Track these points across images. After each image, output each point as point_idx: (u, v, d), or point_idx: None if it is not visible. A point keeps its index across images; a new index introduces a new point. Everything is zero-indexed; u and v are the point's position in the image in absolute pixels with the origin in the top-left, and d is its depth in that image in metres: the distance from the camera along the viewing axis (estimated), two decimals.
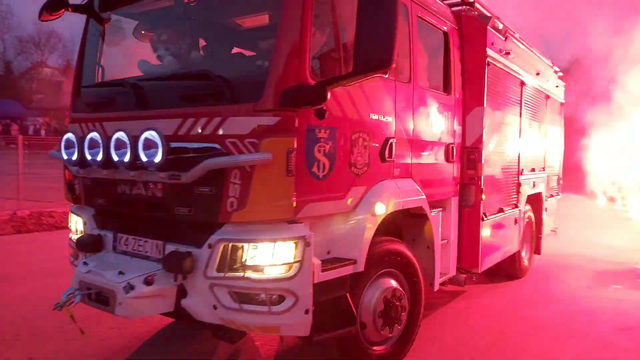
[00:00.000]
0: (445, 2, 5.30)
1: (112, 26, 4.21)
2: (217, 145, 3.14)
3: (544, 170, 8.08)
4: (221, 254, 3.12)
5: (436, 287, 4.75)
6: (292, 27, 3.13)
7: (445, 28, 4.98)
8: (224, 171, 3.08)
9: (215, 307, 3.16)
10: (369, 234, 3.66)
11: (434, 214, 4.68)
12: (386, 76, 3.83)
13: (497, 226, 6.12)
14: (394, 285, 4.03)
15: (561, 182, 9.38)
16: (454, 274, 5.35)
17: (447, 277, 5.21)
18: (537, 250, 8.24)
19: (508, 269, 7.32)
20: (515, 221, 6.79)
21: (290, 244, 3.10)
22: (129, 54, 4.35)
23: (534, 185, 7.52)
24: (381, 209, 3.77)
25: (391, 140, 3.98)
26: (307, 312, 3.14)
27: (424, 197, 4.45)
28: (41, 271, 6.86)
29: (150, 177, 3.27)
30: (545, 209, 8.31)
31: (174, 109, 3.37)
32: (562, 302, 6.30)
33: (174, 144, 3.23)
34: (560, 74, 8.85)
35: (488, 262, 5.91)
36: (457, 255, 5.38)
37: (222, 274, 3.12)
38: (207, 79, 3.25)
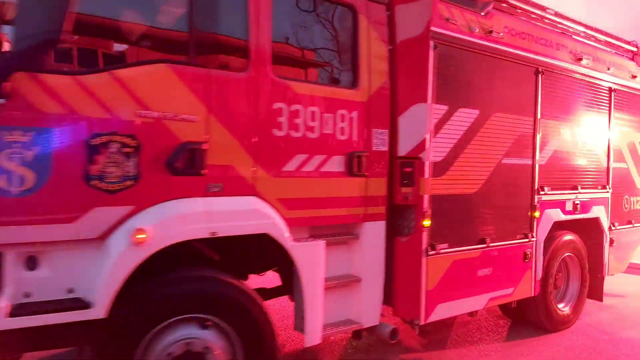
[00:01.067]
0: None
1: None
2: None
3: (605, 188, 6.02)
4: None
5: (312, 341, 3.57)
6: None
7: (350, 1, 3.80)
8: None
9: None
10: (121, 270, 2.77)
11: (305, 245, 3.54)
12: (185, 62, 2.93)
13: (474, 262, 4.58)
14: (196, 338, 3.05)
15: None
16: (375, 323, 4.05)
17: (354, 328, 3.95)
18: (595, 295, 6.19)
19: (531, 317, 5.57)
20: (526, 256, 5.06)
21: None
22: None
23: (576, 209, 5.60)
24: (157, 239, 2.85)
25: (196, 146, 3.03)
26: None
27: (275, 220, 3.36)
28: None
29: None
30: (611, 241, 6.18)
31: None
32: None
33: None
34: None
35: (447, 310, 4.42)
36: (381, 299, 4.07)
37: None
38: None
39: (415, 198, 4.15)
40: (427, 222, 4.16)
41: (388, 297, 4.19)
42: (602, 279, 6.19)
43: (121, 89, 2.81)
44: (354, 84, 3.84)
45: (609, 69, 6.01)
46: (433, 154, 4.20)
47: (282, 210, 3.44)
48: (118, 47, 3.40)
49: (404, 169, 4.11)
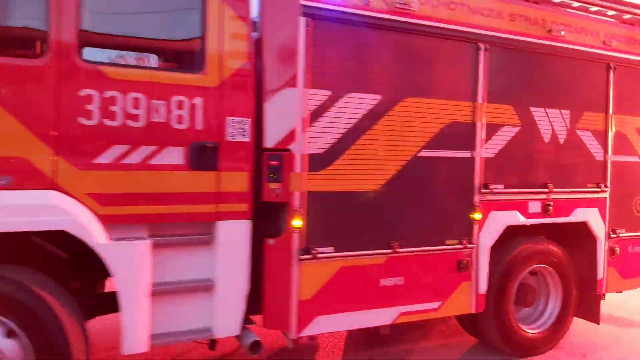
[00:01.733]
0: None
1: None
2: None
3: (599, 186, 4.95)
4: None
5: (131, 349, 3.27)
6: None
7: None
8: None
9: None
10: None
11: (119, 244, 3.23)
12: None
13: (375, 270, 3.97)
14: None
15: None
16: (234, 333, 3.64)
17: (205, 337, 3.58)
18: (590, 315, 5.15)
19: (487, 338, 4.76)
20: (460, 265, 4.29)
21: None
22: None
23: (546, 211, 4.66)
24: None
25: None
26: None
27: (78, 217, 3.09)
28: None
29: None
30: (611, 251, 5.08)
31: None
32: None
33: None
34: None
35: (334, 323, 3.86)
36: (242, 307, 3.64)
37: None
38: None
39: (285, 195, 3.66)
40: (297, 223, 3.65)
41: (259, 306, 3.76)
42: (599, 297, 5.09)
43: None
44: (199, 67, 3.45)
45: (605, 43, 4.91)
46: (309, 145, 3.68)
47: (95, 206, 3.18)
48: None
49: (270, 162, 3.64)
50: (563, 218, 4.80)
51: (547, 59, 4.65)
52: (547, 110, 4.67)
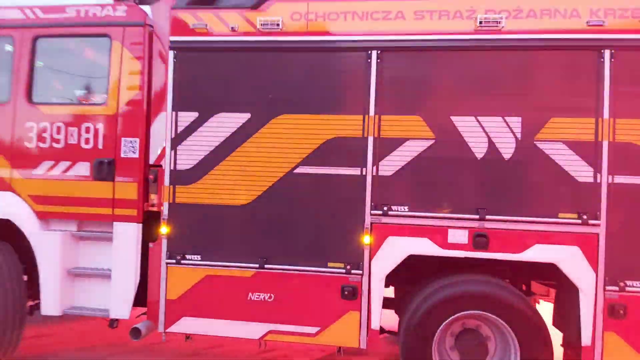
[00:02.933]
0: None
1: None
2: None
3: (581, 218, 3.73)
4: None
5: (46, 311, 4.40)
6: None
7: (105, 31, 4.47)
8: None
9: None
10: None
11: (45, 233, 4.44)
12: None
13: (241, 283, 4.10)
14: None
15: None
16: (124, 317, 4.38)
17: (103, 315, 4.42)
18: None
19: None
20: (345, 292, 3.96)
21: None
22: None
23: (477, 244, 3.81)
24: None
25: None
26: None
27: (20, 210, 4.44)
28: None
29: None
30: (609, 309, 3.70)
31: None
32: None
33: None
34: None
35: (198, 326, 4.15)
36: (130, 296, 4.35)
37: None
38: None
39: (158, 205, 4.26)
40: (165, 230, 4.19)
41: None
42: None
43: None
44: (103, 100, 4.45)
45: (591, 23, 3.73)
46: (179, 161, 4.20)
47: (32, 204, 4.50)
48: None
49: (148, 176, 4.32)
50: (510, 255, 3.76)
51: (477, 58, 3.84)
52: (481, 118, 3.81)
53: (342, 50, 3.98)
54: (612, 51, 3.69)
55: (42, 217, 4.48)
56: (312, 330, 4.01)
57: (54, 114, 4.50)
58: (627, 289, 3.63)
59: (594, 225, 3.66)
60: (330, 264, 3.98)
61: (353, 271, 3.94)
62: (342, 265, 3.96)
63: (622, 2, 3.70)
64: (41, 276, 4.42)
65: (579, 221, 3.68)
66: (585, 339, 3.66)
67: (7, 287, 4.41)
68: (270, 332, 4.06)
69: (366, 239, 3.91)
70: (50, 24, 4.53)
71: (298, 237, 4.03)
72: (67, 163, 4.46)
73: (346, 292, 3.94)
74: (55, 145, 4.47)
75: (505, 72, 3.82)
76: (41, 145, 4.49)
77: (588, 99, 3.71)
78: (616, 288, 3.64)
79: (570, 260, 3.68)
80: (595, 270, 3.66)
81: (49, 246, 4.42)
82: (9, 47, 4.60)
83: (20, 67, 4.54)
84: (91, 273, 4.49)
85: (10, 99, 4.55)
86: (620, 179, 3.66)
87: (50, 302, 4.42)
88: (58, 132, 4.47)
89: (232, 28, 4.11)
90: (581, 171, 3.70)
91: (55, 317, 4.53)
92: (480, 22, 3.80)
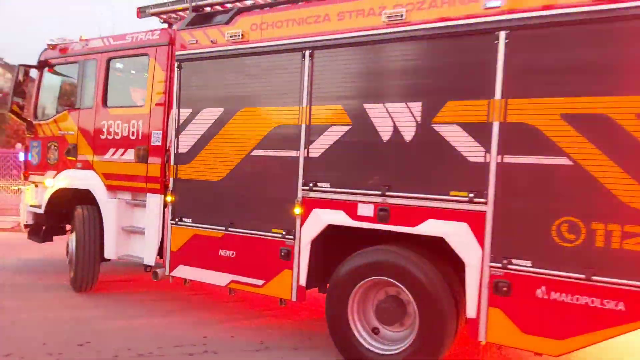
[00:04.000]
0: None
1: None
2: None
3: (468, 196, 3.95)
4: None
5: (109, 256, 6.16)
6: None
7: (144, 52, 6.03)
8: None
9: None
10: (47, 195, 6.79)
11: (109, 200, 6.19)
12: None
13: (214, 242, 5.20)
14: None
15: None
16: (151, 263, 5.87)
17: (139, 261, 5.96)
18: None
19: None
20: (282, 253, 4.78)
21: None
22: None
23: (381, 218, 4.29)
24: (50, 183, 6.69)
25: (70, 146, 6.61)
26: None
27: (97, 184, 6.29)
28: None
29: None
30: (494, 286, 3.84)
31: None
32: None
33: None
34: None
35: (189, 272, 5.40)
36: (156, 249, 5.82)
37: None
38: None
39: (168, 181, 5.64)
40: (170, 199, 5.55)
41: None
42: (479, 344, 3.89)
43: (52, 124, 6.89)
44: (143, 103, 6.01)
45: (487, 7, 3.91)
46: (180, 147, 5.50)
47: (103, 179, 6.31)
48: None
49: (164, 158, 5.72)
50: (406, 228, 4.12)
51: (386, 50, 4.26)
52: (387, 105, 4.24)
53: (283, 52, 4.77)
54: (508, 32, 3.76)
55: (109, 189, 6.25)
56: (259, 282, 4.91)
57: (116, 114, 6.21)
58: (511, 266, 3.70)
59: (480, 203, 3.81)
60: (273, 230, 4.83)
61: (288, 236, 4.72)
62: (281, 231, 4.77)
63: None
64: (105, 231, 6.19)
65: (465, 199, 3.86)
66: (470, 312, 3.84)
67: (97, 233, 6.27)
68: (232, 281, 5.10)
69: (297, 210, 4.65)
70: (116, 48, 6.26)
71: (253, 206, 4.97)
72: (122, 150, 6.14)
73: (283, 254, 4.74)
74: (116, 137, 6.19)
75: (410, 62, 4.16)
76: (109, 137, 6.26)
77: (481, 82, 3.85)
78: (500, 265, 3.73)
79: (456, 235, 3.89)
80: (482, 247, 3.80)
81: (109, 210, 6.16)
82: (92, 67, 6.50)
83: (100, 81, 6.37)
84: (134, 230, 6.09)
85: (93, 105, 6.42)
86: (510, 159, 3.73)
87: (110, 250, 6.16)
88: (117, 128, 6.18)
89: (211, 41, 5.23)
90: (472, 152, 3.87)
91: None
92: (389, 17, 4.22)
